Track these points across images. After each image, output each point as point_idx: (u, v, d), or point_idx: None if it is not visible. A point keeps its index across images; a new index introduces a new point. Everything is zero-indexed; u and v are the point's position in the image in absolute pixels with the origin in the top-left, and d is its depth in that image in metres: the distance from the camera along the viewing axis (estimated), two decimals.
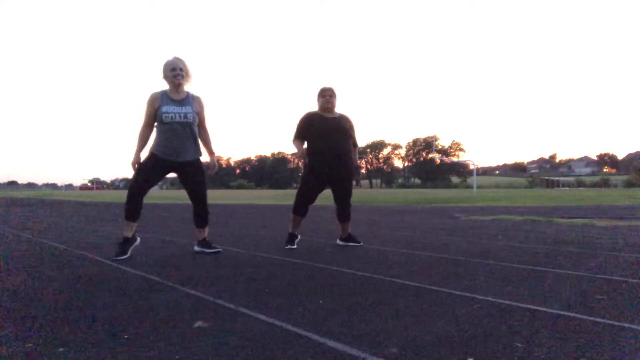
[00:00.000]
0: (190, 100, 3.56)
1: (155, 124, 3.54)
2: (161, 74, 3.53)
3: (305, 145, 4.12)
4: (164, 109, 3.44)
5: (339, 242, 4.30)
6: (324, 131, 3.97)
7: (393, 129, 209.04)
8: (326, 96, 4.03)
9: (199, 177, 3.63)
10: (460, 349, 1.50)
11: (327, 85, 4.08)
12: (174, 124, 3.45)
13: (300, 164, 4.19)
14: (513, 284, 2.49)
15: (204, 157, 3.71)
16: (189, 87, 3.62)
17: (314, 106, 4.17)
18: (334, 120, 4.04)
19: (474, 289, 2.37)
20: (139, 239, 3.64)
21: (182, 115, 3.47)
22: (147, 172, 3.50)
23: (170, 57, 3.54)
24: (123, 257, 3.40)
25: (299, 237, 4.11)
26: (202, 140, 3.70)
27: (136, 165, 3.48)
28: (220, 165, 3.46)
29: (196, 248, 3.81)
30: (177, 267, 3.10)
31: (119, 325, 1.77)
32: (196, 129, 3.60)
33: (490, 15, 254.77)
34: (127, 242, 3.51)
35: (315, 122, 4.01)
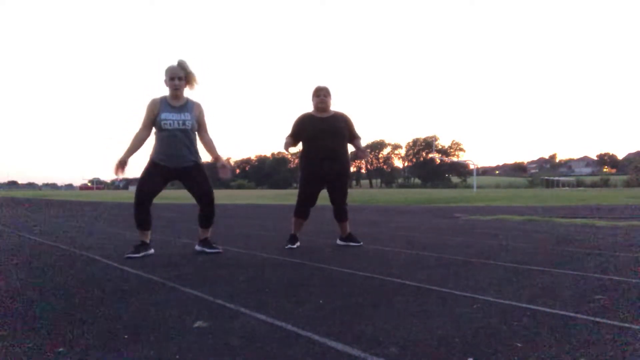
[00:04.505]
0: (190, 107, 3.54)
1: (154, 130, 3.53)
2: (163, 77, 3.52)
3: (300, 146, 4.13)
4: (163, 115, 3.44)
5: (339, 242, 4.30)
6: (317, 132, 3.95)
7: (393, 129, 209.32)
8: (320, 96, 4.01)
9: (201, 180, 3.61)
10: (460, 349, 1.50)
11: (322, 85, 4.05)
12: (173, 131, 3.44)
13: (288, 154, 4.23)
14: (513, 284, 2.49)
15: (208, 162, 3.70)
16: (194, 91, 3.61)
17: (311, 106, 4.16)
18: (328, 120, 4.02)
19: (474, 289, 2.37)
20: (153, 251, 3.63)
21: (180, 122, 3.46)
22: (150, 181, 3.50)
23: (173, 62, 3.50)
24: (134, 256, 3.42)
25: (299, 242, 4.10)
26: (205, 146, 3.68)
27: (121, 165, 3.40)
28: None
29: (197, 247, 3.81)
30: (177, 267, 3.10)
31: (119, 325, 1.77)
32: (194, 135, 3.58)
33: (491, 15, 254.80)
34: (143, 245, 3.54)
35: (308, 123, 4.00)
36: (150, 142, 3.58)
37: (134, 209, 3.49)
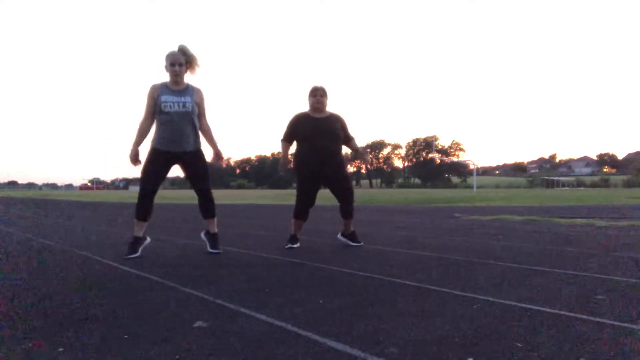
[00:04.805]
0: (190, 91, 3.54)
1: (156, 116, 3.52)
2: (163, 63, 3.51)
3: (295, 147, 4.14)
4: (163, 98, 3.43)
5: (339, 236, 4.29)
6: (312, 132, 3.96)
7: (393, 129, 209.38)
8: (317, 96, 4.01)
9: (200, 167, 3.62)
10: (460, 349, 1.50)
11: (319, 85, 4.05)
12: (173, 114, 3.43)
13: (288, 165, 4.29)
14: (513, 284, 2.49)
15: (207, 151, 3.71)
16: (195, 77, 3.62)
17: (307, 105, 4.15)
18: (323, 120, 4.02)
19: (474, 289, 2.37)
20: (149, 239, 3.66)
21: (180, 104, 3.45)
22: (154, 170, 3.51)
23: (174, 48, 3.50)
24: (134, 256, 3.42)
25: (299, 243, 4.11)
26: (203, 133, 3.67)
27: (135, 157, 3.47)
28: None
29: (202, 236, 3.83)
30: (177, 267, 3.10)
31: (119, 325, 1.77)
32: (196, 120, 3.57)
33: (491, 15, 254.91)
34: (137, 241, 3.53)
35: (304, 123, 4.01)
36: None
37: (138, 199, 3.49)
